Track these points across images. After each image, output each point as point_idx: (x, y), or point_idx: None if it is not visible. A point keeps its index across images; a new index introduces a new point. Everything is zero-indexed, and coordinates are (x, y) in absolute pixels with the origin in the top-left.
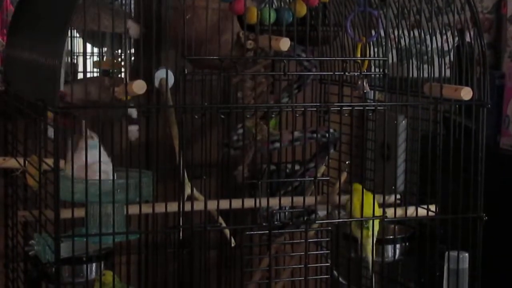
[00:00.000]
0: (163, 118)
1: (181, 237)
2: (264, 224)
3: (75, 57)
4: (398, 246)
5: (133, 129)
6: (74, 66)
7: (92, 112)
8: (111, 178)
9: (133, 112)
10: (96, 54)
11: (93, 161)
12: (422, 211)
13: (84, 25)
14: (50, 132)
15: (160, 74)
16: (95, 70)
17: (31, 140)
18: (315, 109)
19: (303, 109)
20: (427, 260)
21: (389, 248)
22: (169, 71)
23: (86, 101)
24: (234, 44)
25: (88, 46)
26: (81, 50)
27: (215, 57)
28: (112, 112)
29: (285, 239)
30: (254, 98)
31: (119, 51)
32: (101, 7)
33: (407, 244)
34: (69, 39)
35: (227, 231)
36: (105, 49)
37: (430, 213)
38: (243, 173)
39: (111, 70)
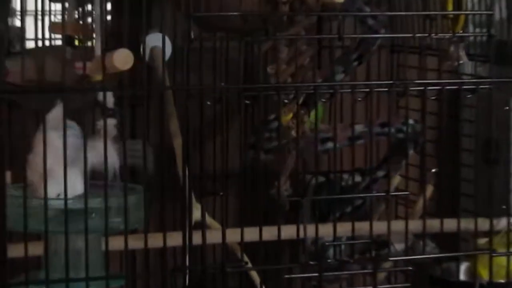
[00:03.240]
0: (157, 106)
1: (187, 284)
2: (311, 263)
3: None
4: None
5: (109, 124)
6: (23, 31)
7: (48, 100)
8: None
9: (109, 98)
10: (56, 12)
11: (72, 161)
12: None
13: None
14: None
15: (152, 41)
16: (53, 36)
17: None
18: (385, 89)
19: (367, 90)
20: None
21: None
22: (165, 37)
23: (39, 83)
24: None
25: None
26: (33, 8)
27: (234, 13)
28: (79, 99)
29: (343, 285)
30: (293, 74)
31: (89, 7)
32: None
33: None
34: None
35: (255, 274)
36: (69, 4)
37: None
38: (278, 187)
39: (77, 37)
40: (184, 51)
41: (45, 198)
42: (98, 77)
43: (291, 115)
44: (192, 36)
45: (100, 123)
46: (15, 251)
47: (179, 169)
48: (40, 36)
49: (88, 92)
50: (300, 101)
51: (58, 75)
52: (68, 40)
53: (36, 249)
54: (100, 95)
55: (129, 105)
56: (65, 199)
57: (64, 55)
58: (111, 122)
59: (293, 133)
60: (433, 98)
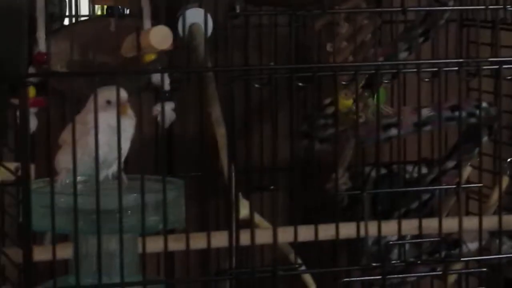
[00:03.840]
0: (197, 91)
1: None
2: (373, 264)
3: None
4: None
5: (167, 109)
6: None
7: (86, 85)
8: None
9: (165, 81)
10: None
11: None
12: None
13: None
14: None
15: (191, 17)
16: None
17: None
18: (454, 68)
19: (434, 69)
20: None
21: None
22: (205, 12)
23: (83, 64)
24: None
25: None
26: None
27: None
28: (129, 82)
29: None
30: (353, 52)
31: None
32: None
33: None
34: None
35: (309, 278)
36: None
37: None
38: (336, 181)
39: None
40: (227, 28)
41: (74, 192)
42: (150, 56)
43: (351, 99)
44: (237, 11)
45: (157, 108)
46: (40, 254)
47: (222, 161)
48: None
49: (124, 74)
50: (362, 82)
51: (104, 54)
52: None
53: (63, 251)
54: (155, 77)
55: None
56: (97, 195)
57: (107, 28)
58: (169, 106)
59: (362, 118)
60: (508, 78)
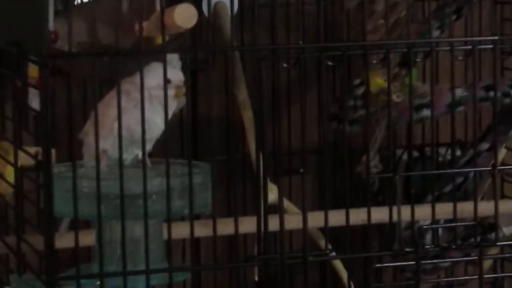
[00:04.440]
0: (223, 71)
1: (261, 275)
2: (406, 249)
3: None
4: None
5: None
6: None
7: (101, 66)
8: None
9: (175, 63)
10: None
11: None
12: None
13: None
14: (35, 100)
15: None
16: None
17: None
18: (489, 46)
19: (468, 47)
20: None
21: None
22: None
23: (91, 45)
24: None
25: None
26: None
27: None
28: (136, 63)
29: (442, 275)
30: (388, 30)
31: None
32: None
33: None
34: None
35: (339, 264)
36: None
37: None
38: (368, 164)
39: None
40: (254, 6)
41: (120, 165)
42: (159, 40)
43: (383, 80)
44: None
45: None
46: (62, 241)
47: (250, 145)
48: None
49: (147, 54)
50: (398, 61)
51: (112, 34)
52: None
53: (86, 238)
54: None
55: (189, 71)
56: (121, 179)
57: (119, 9)
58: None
59: (394, 98)
60: None
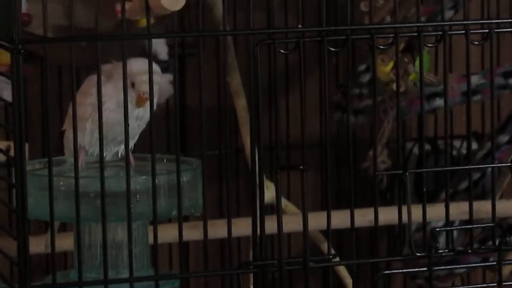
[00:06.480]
0: (213, 57)
1: (257, 283)
2: (417, 254)
3: None
4: None
5: (164, 82)
6: None
7: (78, 51)
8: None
9: (161, 48)
10: None
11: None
12: None
13: None
14: (6, 90)
15: None
16: None
17: None
18: (508, 30)
19: (485, 31)
20: None
21: None
22: None
23: (68, 29)
24: None
25: None
26: None
27: None
28: (119, 47)
29: (457, 283)
30: (392, 11)
31: None
32: None
33: None
34: None
35: (343, 271)
36: None
37: None
38: (375, 159)
39: None
40: None
41: (76, 172)
42: (141, 20)
43: (390, 64)
44: None
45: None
46: (36, 246)
47: (244, 138)
48: None
49: (131, 39)
50: (401, 46)
51: (91, 18)
52: None
53: (62, 243)
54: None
55: (177, 56)
56: (101, 177)
57: None
58: (166, 78)
59: (394, 87)
60: None
